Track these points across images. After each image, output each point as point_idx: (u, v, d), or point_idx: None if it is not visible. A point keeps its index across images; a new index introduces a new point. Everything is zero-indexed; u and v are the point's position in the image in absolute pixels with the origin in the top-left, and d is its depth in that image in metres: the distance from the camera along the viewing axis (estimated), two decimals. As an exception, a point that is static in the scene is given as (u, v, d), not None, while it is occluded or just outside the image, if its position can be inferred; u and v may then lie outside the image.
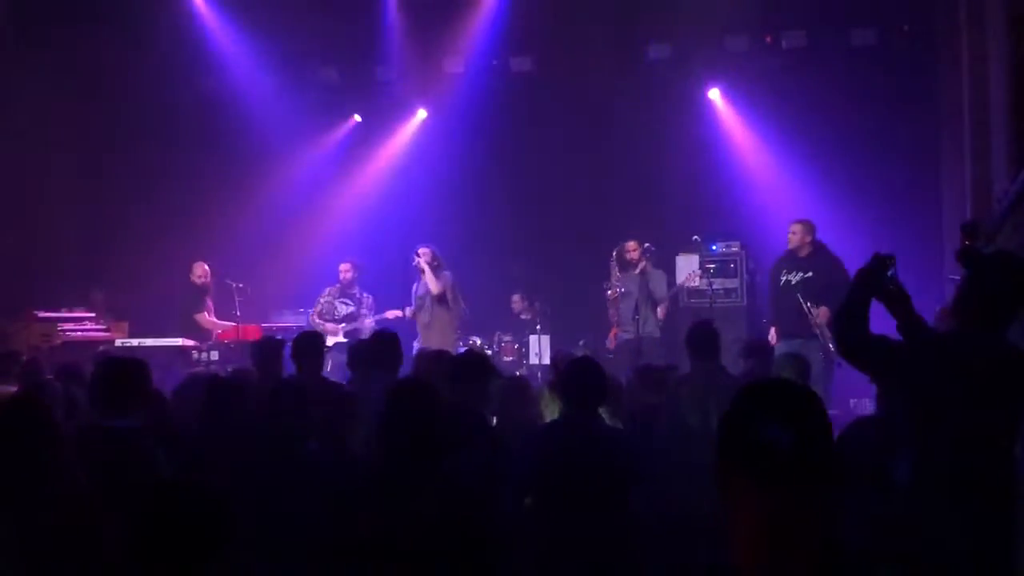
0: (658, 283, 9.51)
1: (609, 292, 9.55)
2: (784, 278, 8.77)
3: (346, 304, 10.07)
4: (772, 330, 8.73)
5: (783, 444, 1.58)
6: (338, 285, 10.17)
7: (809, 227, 8.79)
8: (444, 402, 3.53)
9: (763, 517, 1.60)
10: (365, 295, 10.17)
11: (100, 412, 4.15)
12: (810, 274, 8.58)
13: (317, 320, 10.04)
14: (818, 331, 8.33)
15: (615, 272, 9.57)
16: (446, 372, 4.94)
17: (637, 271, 9.46)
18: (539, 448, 4.21)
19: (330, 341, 9.39)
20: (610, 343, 9.69)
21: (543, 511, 4.10)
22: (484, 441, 4.31)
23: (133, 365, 4.33)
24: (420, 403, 3.29)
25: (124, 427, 4.03)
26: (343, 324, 10.03)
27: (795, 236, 8.76)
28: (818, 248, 8.76)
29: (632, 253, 9.51)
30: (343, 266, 10.16)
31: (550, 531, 4.01)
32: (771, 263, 9.21)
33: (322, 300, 10.17)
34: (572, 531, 3.95)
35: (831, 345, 8.13)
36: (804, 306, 8.41)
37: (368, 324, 9.84)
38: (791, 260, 8.81)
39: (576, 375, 4.34)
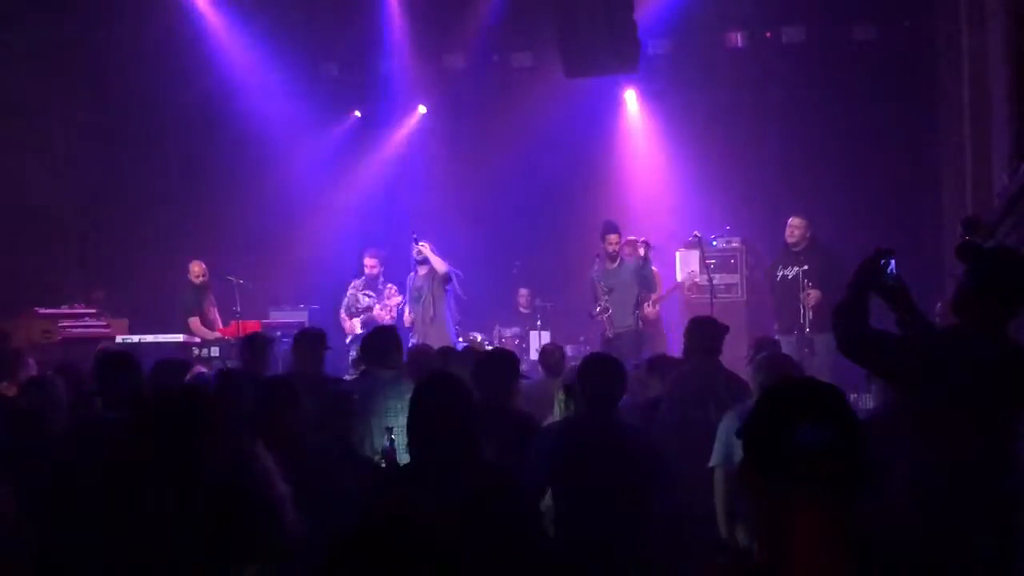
0: (636, 275, 9.23)
1: (599, 309, 9.27)
2: (781, 273, 8.80)
3: (368, 296, 9.98)
4: None
5: (820, 445, 1.57)
6: (363, 278, 10.06)
7: (808, 222, 8.82)
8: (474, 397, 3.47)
9: (801, 518, 1.59)
10: (389, 286, 10.00)
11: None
12: (807, 267, 8.60)
13: (343, 315, 9.97)
14: (802, 319, 8.34)
15: (600, 287, 9.28)
16: (469, 369, 4.86)
17: (616, 264, 9.31)
18: (559, 444, 4.09)
19: (349, 338, 9.59)
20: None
21: (564, 508, 4.04)
22: (517, 438, 4.25)
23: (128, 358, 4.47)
24: (453, 398, 3.25)
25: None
26: (361, 316, 9.92)
27: (797, 231, 8.76)
28: (814, 242, 8.78)
29: (615, 246, 9.33)
30: (369, 261, 9.98)
31: (571, 529, 3.96)
32: (771, 259, 9.21)
33: (347, 294, 10.07)
34: (593, 528, 3.90)
35: (808, 330, 8.21)
36: (802, 294, 8.44)
37: (379, 314, 9.74)
38: (787, 256, 8.83)
39: (598, 372, 4.19)
